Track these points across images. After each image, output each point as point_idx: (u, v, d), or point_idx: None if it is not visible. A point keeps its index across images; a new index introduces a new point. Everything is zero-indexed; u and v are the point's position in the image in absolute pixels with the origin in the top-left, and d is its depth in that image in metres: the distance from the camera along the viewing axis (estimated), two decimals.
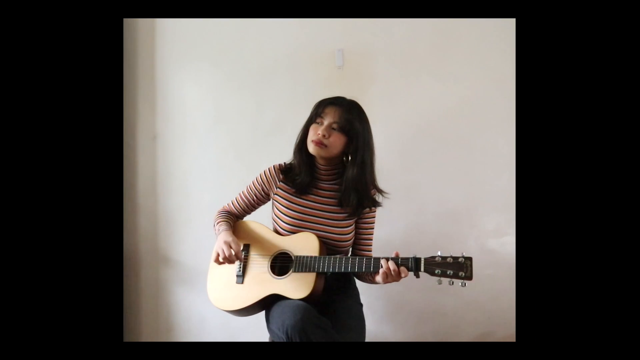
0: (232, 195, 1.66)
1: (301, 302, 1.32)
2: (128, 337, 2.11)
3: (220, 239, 1.46)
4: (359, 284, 1.63)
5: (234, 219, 1.61)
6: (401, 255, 1.30)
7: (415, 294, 1.94)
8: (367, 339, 1.47)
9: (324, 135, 1.43)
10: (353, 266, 1.36)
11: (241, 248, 1.50)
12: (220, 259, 1.42)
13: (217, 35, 2.08)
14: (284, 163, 1.59)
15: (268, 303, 1.42)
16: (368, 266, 1.33)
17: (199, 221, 2.03)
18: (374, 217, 1.57)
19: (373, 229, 1.58)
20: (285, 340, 1.24)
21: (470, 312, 1.93)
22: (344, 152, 1.48)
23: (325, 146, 1.44)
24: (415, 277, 1.29)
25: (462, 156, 1.93)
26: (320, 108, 1.48)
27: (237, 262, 1.50)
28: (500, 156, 1.89)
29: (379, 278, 1.32)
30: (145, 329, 2.14)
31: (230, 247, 1.41)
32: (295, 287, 1.38)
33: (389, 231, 1.90)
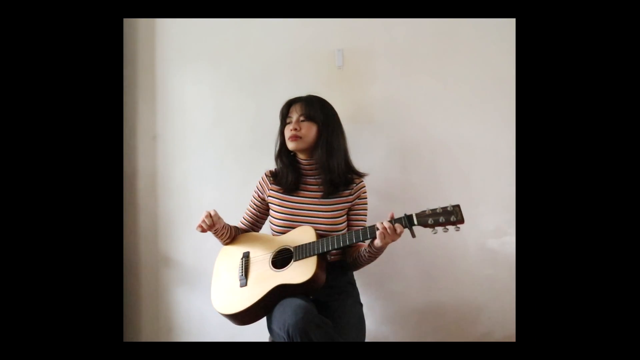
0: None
1: (302, 302, 1.32)
2: (128, 337, 2.11)
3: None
4: (359, 283, 1.63)
5: (236, 229, 1.66)
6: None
7: (415, 294, 1.94)
8: (367, 339, 1.47)
9: (295, 129, 1.56)
10: (351, 239, 1.40)
11: (240, 256, 1.54)
12: (202, 225, 1.50)
13: (217, 35, 2.08)
14: (275, 168, 1.66)
15: (274, 301, 1.40)
16: (365, 235, 1.39)
17: (198, 221, 2.02)
18: (366, 210, 1.61)
19: (365, 220, 1.60)
20: (286, 340, 1.25)
21: (470, 312, 1.93)
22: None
23: (300, 137, 1.55)
24: (411, 236, 1.34)
25: (462, 156, 1.93)
26: (285, 109, 1.63)
27: (239, 268, 1.52)
28: (500, 156, 1.89)
29: (377, 241, 1.37)
30: (145, 329, 2.13)
31: (209, 213, 1.49)
32: (299, 272, 1.40)
33: None
